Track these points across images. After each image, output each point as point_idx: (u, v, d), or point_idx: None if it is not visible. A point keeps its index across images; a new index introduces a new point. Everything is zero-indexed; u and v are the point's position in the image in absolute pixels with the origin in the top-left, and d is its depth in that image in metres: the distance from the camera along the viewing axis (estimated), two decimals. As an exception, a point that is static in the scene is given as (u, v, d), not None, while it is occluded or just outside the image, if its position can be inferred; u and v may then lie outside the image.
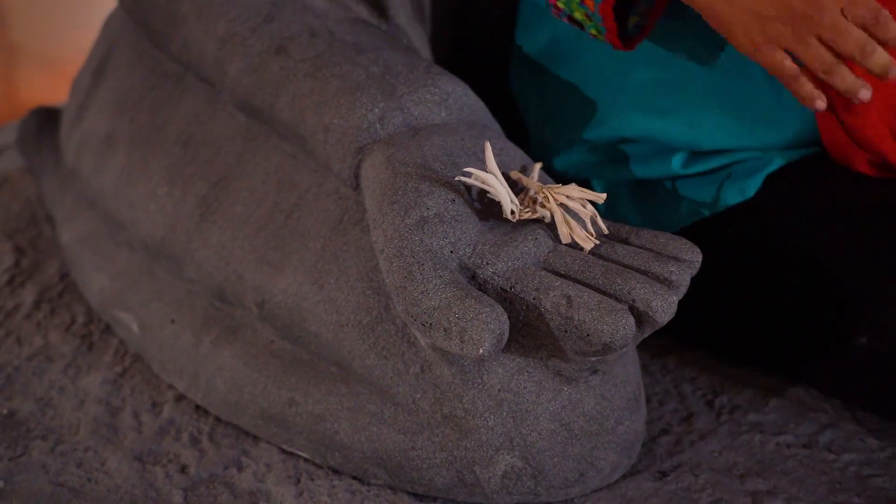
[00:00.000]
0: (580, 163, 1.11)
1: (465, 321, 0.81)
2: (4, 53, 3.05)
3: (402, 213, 0.87)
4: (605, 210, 1.10)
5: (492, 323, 0.81)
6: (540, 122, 1.14)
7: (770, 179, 1.03)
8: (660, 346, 1.10)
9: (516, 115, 1.18)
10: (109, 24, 1.27)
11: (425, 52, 1.19)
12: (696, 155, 1.05)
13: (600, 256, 0.88)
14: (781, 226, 1.02)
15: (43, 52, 2.77)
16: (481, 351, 0.81)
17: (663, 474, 0.95)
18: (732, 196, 1.03)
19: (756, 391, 1.04)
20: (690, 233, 1.04)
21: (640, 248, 0.90)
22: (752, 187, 1.03)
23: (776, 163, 1.03)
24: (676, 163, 1.05)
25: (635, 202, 1.09)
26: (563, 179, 1.11)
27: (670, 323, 1.10)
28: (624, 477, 0.94)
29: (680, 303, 1.08)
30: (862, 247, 0.98)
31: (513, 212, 0.89)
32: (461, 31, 1.28)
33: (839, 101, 0.99)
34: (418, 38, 1.18)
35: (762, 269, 1.03)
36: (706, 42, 1.03)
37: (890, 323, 0.96)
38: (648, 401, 1.03)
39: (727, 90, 1.03)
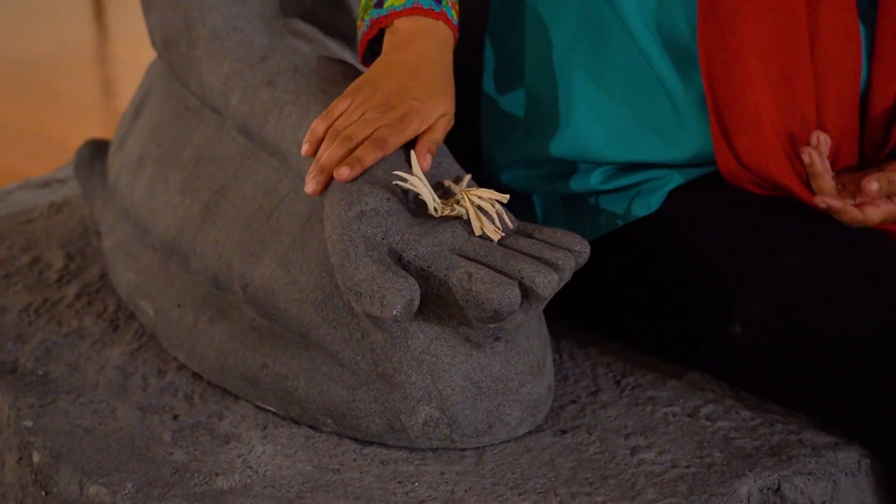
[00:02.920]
0: (520, 178, 1.31)
1: (384, 289, 1.02)
2: (111, 118, 3.38)
3: (345, 207, 1.09)
4: (542, 220, 1.30)
5: (404, 290, 1.02)
6: (490, 143, 1.36)
7: (671, 195, 1.23)
8: (588, 338, 1.30)
9: (477, 143, 1.41)
10: (150, 68, 1.52)
11: None
12: (611, 175, 1.26)
13: (506, 246, 1.09)
14: (677, 234, 1.21)
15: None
16: (394, 312, 1.02)
17: (563, 432, 1.14)
18: (640, 209, 1.23)
19: (659, 374, 1.23)
20: (608, 241, 1.24)
21: (540, 240, 1.10)
22: (655, 202, 1.23)
23: (676, 181, 1.23)
24: (594, 180, 1.26)
25: (566, 214, 1.29)
26: (508, 192, 1.31)
27: (598, 319, 1.30)
28: (529, 433, 1.14)
29: (603, 300, 1.28)
30: (738, 249, 1.17)
31: (435, 209, 1.10)
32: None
33: (732, 123, 1.18)
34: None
35: (663, 271, 1.22)
36: (624, 76, 1.24)
37: (755, 312, 1.15)
38: (566, 379, 1.23)
39: (640, 114, 1.23)
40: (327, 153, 1.09)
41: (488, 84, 1.36)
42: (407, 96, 1.10)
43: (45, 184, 1.77)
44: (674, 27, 1.21)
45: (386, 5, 1.15)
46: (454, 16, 1.17)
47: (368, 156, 1.08)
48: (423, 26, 1.15)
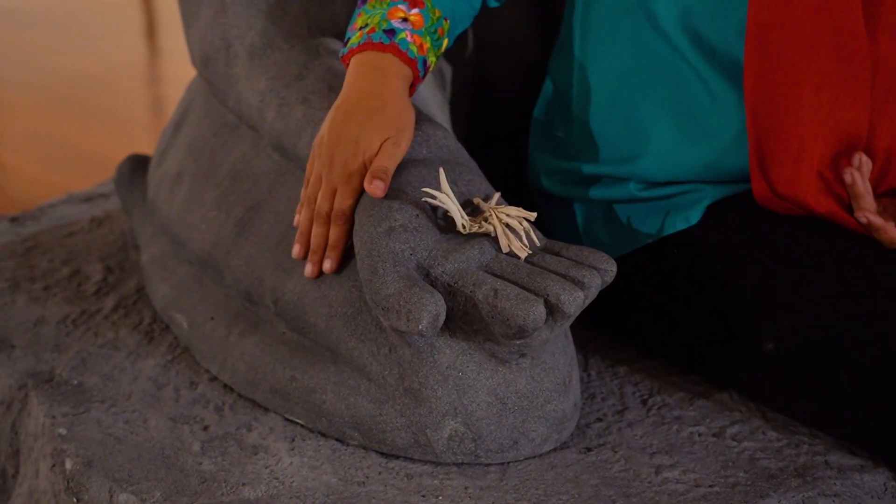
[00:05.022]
0: (561, 182, 1.33)
1: (411, 304, 1.04)
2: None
3: (375, 223, 1.10)
4: (582, 229, 1.32)
5: (429, 305, 1.03)
6: (536, 152, 1.37)
7: (710, 210, 1.24)
8: (617, 357, 1.31)
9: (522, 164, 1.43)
10: (191, 85, 1.55)
11: (443, 113, 1.43)
12: (649, 185, 1.27)
13: (532, 264, 1.10)
14: (711, 250, 1.22)
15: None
16: (420, 327, 1.03)
17: (588, 450, 1.15)
18: (680, 222, 1.24)
19: (687, 394, 1.23)
20: (643, 255, 1.25)
21: (567, 258, 1.11)
22: (695, 216, 1.23)
23: (710, 196, 1.24)
24: (633, 187, 1.27)
25: (606, 224, 1.30)
26: (549, 197, 1.34)
27: (630, 333, 1.31)
28: (554, 449, 1.14)
29: (636, 313, 1.29)
30: (771, 267, 1.18)
31: (463, 226, 1.11)
32: (479, 97, 1.52)
33: (771, 154, 1.19)
34: (437, 102, 1.42)
35: (696, 286, 1.23)
36: (665, 96, 1.25)
37: (787, 330, 1.15)
38: (593, 397, 1.23)
39: (687, 139, 1.25)
40: (313, 236, 1.18)
41: (541, 103, 1.39)
42: (342, 142, 1.15)
43: (88, 198, 1.80)
44: (728, 49, 1.22)
45: (347, 45, 1.21)
46: (412, 50, 1.19)
47: (340, 238, 1.16)
48: (369, 59, 1.19)
